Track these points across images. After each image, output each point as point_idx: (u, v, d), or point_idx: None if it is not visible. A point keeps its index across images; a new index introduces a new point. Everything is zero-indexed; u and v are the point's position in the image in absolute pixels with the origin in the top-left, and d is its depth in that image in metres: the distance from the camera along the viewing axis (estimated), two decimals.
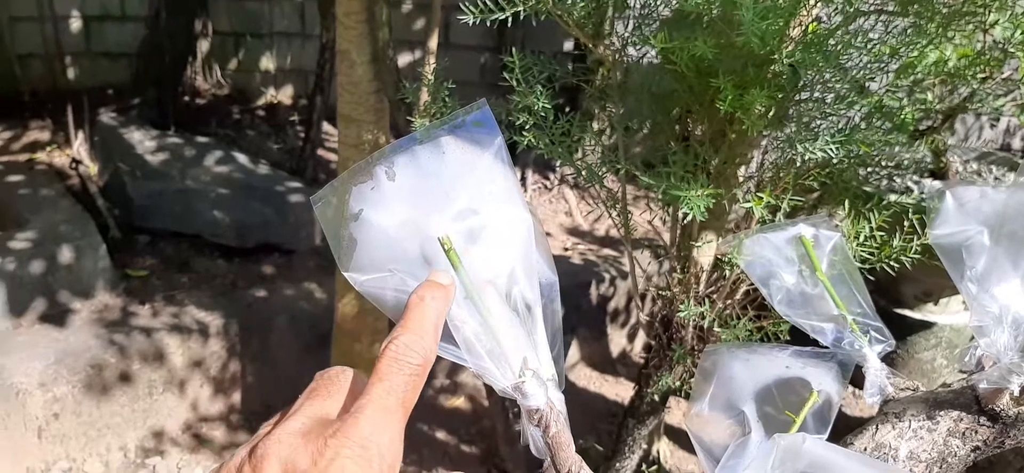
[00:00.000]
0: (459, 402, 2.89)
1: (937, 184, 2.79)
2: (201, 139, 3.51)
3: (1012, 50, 1.61)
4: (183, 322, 2.55)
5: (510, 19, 1.14)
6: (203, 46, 4.17)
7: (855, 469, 0.45)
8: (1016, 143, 4.69)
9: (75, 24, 3.98)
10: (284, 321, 2.68)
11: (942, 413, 0.71)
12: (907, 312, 2.90)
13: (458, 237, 0.53)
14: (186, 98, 4.03)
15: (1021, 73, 2.33)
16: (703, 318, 1.38)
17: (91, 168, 3.42)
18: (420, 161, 0.53)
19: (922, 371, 2.95)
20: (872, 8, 1.30)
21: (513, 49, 1.30)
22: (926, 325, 2.90)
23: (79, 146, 3.47)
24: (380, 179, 0.53)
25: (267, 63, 4.35)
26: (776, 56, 1.12)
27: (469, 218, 0.53)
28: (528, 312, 0.57)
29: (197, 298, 2.70)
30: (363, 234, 0.53)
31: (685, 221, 1.44)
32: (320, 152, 3.84)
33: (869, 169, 1.90)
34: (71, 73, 4.01)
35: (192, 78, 4.13)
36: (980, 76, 1.74)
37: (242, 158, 3.38)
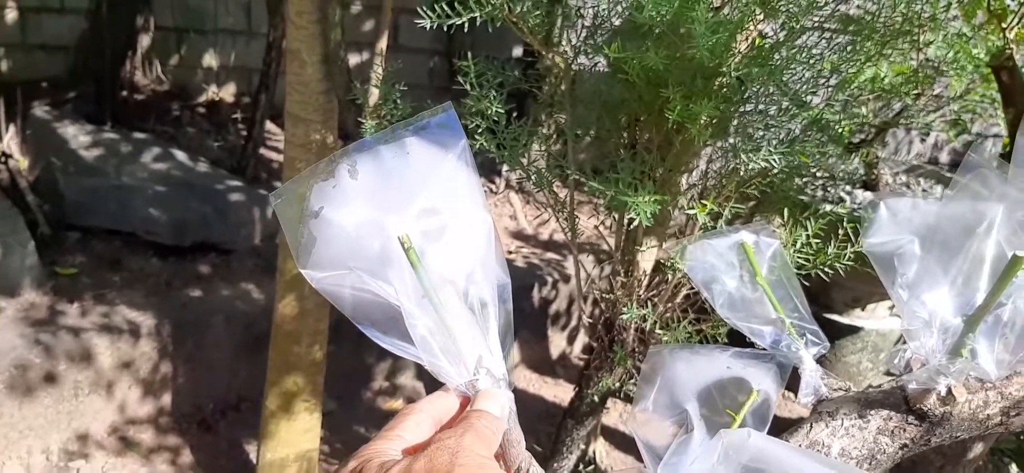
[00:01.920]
0: (398, 404, 2.88)
1: (869, 195, 2.90)
2: (139, 135, 3.42)
3: (944, 69, 1.69)
4: (113, 322, 2.48)
5: (464, 26, 1.15)
6: (144, 41, 4.05)
7: (797, 462, 0.47)
8: (943, 157, 4.91)
9: (11, 15, 3.83)
10: (220, 321, 2.63)
11: (872, 412, 0.74)
12: (836, 317, 3.02)
13: (419, 236, 0.54)
14: (124, 93, 3.91)
15: (951, 91, 2.45)
16: (645, 321, 1.41)
17: (21, 162, 3.29)
18: (383, 160, 0.53)
19: (849, 373, 3.06)
20: (814, 25, 1.35)
21: (465, 54, 1.31)
22: (853, 329, 3.02)
23: (9, 139, 3.34)
24: (342, 177, 0.53)
25: (210, 60, 4.26)
26: (724, 69, 1.15)
27: (431, 218, 0.54)
28: (483, 311, 0.58)
29: (129, 297, 2.63)
30: (322, 231, 0.54)
31: (631, 226, 1.47)
32: (262, 151, 3.78)
33: (805, 179, 1.97)
34: (4, 65, 3.85)
35: (131, 73, 4.01)
36: (914, 93, 1.83)
37: (181, 155, 3.30)
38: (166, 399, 2.56)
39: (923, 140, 4.74)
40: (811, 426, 0.75)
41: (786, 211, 1.32)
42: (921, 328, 0.78)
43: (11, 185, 3.09)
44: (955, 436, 0.74)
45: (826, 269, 1.32)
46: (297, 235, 0.54)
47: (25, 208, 2.89)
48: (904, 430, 0.73)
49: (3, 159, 3.26)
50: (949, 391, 0.72)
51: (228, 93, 4.33)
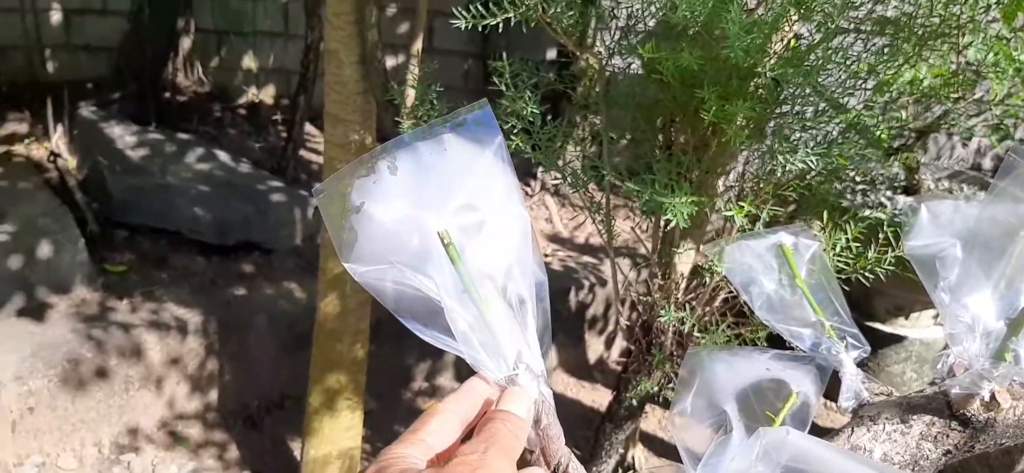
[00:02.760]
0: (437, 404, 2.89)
1: (909, 200, 2.85)
2: (182, 136, 3.49)
3: (984, 72, 1.66)
4: (161, 318, 2.53)
5: (499, 26, 1.16)
6: (185, 43, 4.15)
7: (839, 462, 0.47)
8: (987, 163, 4.79)
9: (55, 17, 3.94)
10: (263, 320, 2.67)
11: (915, 417, 0.73)
12: (878, 325, 2.96)
13: (457, 232, 0.54)
14: (167, 95, 4.00)
15: (992, 95, 2.39)
16: (683, 323, 1.41)
17: (70, 162, 3.39)
18: (422, 157, 0.54)
19: (892, 384, 3.00)
20: (850, 27, 1.33)
21: (500, 56, 1.32)
22: (897, 339, 2.96)
23: (58, 139, 3.44)
24: (382, 173, 0.54)
25: (249, 62, 4.34)
26: (759, 69, 1.15)
27: (468, 214, 0.54)
28: (521, 307, 0.58)
29: (176, 295, 2.69)
30: (364, 226, 0.55)
31: (667, 228, 1.46)
32: (302, 152, 3.83)
33: (844, 184, 1.94)
34: (50, 66, 3.97)
35: (173, 75, 4.10)
36: (954, 96, 1.79)
37: (223, 156, 3.36)
38: (213, 395, 2.61)
39: (965, 145, 4.64)
40: (852, 430, 0.74)
41: (825, 214, 1.31)
42: (964, 332, 0.77)
43: (60, 184, 3.18)
44: (1000, 443, 0.72)
45: (866, 274, 1.31)
46: (339, 230, 0.55)
47: (74, 206, 2.97)
48: (947, 436, 0.72)
49: (52, 158, 3.35)
50: (993, 396, 0.71)
51: (268, 95, 4.40)
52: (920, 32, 1.26)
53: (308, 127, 3.92)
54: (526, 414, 0.54)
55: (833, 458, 0.49)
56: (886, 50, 1.31)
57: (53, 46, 3.95)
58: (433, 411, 0.54)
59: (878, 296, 2.91)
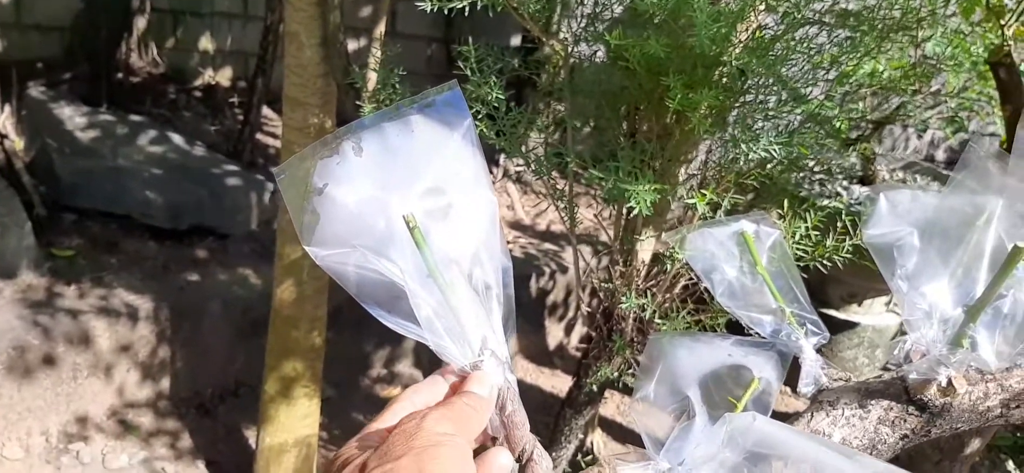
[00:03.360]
0: (396, 391, 2.88)
1: (865, 190, 2.90)
2: (135, 118, 3.40)
3: (942, 66, 1.70)
4: (111, 304, 2.47)
5: (465, 9, 1.15)
6: (140, 23, 4.03)
7: (803, 446, 0.47)
8: (940, 155, 4.91)
9: None
10: (217, 306, 2.62)
11: (873, 402, 0.74)
12: (832, 312, 3.02)
13: (423, 215, 0.53)
14: (120, 76, 3.89)
15: (948, 88, 2.45)
16: (643, 310, 1.42)
17: (17, 143, 3.27)
18: (388, 138, 0.53)
19: (845, 369, 3.07)
20: (814, 18, 1.35)
21: (463, 41, 1.30)
22: (850, 325, 3.03)
23: (5, 120, 3.32)
24: (347, 154, 0.53)
25: (206, 43, 4.24)
26: (724, 58, 1.15)
27: (435, 197, 0.53)
28: (487, 293, 0.57)
29: (126, 280, 2.62)
30: (326, 209, 0.53)
31: (630, 216, 1.47)
32: (259, 136, 3.76)
33: (802, 173, 1.97)
34: None
35: (127, 55, 3.98)
36: (911, 89, 1.83)
37: (177, 138, 3.29)
38: (165, 383, 2.56)
39: (920, 137, 4.75)
40: (812, 415, 0.75)
41: (785, 203, 1.32)
42: (921, 319, 0.78)
43: (7, 165, 3.07)
44: (955, 428, 0.74)
45: (825, 262, 1.33)
46: (301, 212, 0.54)
47: (21, 189, 2.87)
48: (905, 420, 0.73)
49: None
50: (949, 382, 0.72)
51: (224, 77, 4.31)
52: (880, 26, 1.28)
53: (265, 110, 3.85)
54: (489, 394, 0.54)
55: (798, 442, 0.49)
56: (848, 42, 1.32)
57: (2, 25, 3.81)
58: (391, 403, 0.54)
59: (832, 284, 2.97)
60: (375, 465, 0.45)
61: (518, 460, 0.56)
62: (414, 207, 0.53)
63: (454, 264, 0.55)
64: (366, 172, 0.53)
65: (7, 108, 3.34)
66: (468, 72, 1.27)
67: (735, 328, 1.09)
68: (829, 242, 1.31)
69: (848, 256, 1.28)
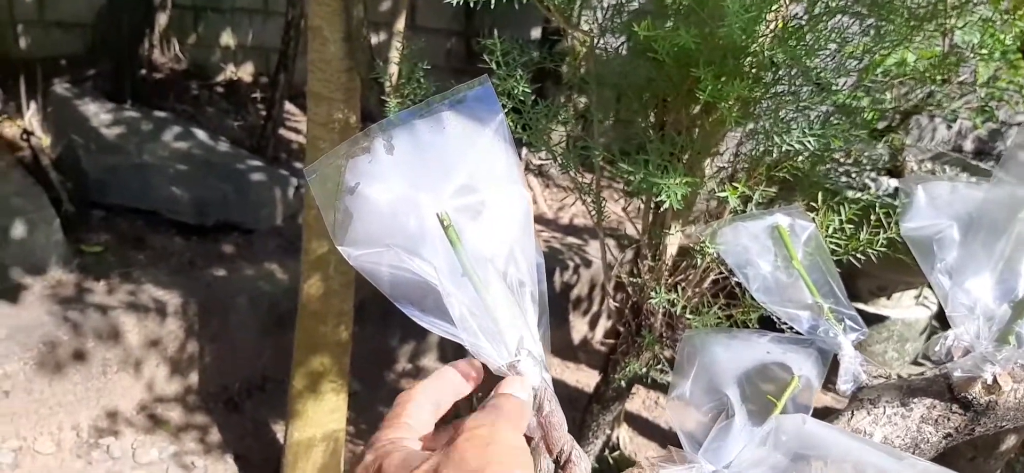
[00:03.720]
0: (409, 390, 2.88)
1: (893, 182, 2.86)
2: (159, 114, 3.42)
3: (971, 55, 1.66)
4: (139, 300, 2.49)
5: (491, 3, 1.13)
6: (161, 19, 4.06)
7: (844, 445, 0.46)
8: (968, 145, 4.83)
9: None
10: (244, 301, 2.64)
11: (915, 400, 0.72)
12: (861, 306, 2.98)
13: (456, 213, 0.52)
14: (142, 72, 3.92)
15: (977, 78, 2.40)
16: (673, 305, 1.40)
17: (43, 140, 3.31)
18: (419, 135, 0.52)
19: (874, 363, 3.03)
20: (841, 6, 1.32)
21: (483, 34, 1.29)
22: (879, 319, 2.99)
23: (31, 117, 3.36)
24: (378, 152, 0.52)
25: (227, 39, 4.26)
26: (755, 48, 1.13)
27: (468, 195, 0.52)
28: (521, 291, 0.56)
29: (154, 276, 2.64)
30: (359, 208, 0.53)
31: (659, 210, 1.45)
32: (281, 131, 3.78)
33: (829, 165, 1.94)
34: (23, 43, 3.86)
35: (149, 52, 4.01)
36: (940, 79, 1.79)
37: (201, 134, 3.30)
38: (193, 378, 2.58)
39: (949, 127, 4.67)
40: (852, 413, 0.73)
41: (819, 196, 1.30)
42: (964, 314, 0.76)
43: (34, 162, 3.11)
44: (1000, 426, 0.72)
45: (858, 255, 1.30)
46: (333, 211, 0.53)
47: (48, 186, 2.90)
48: (948, 419, 0.71)
49: (25, 137, 3.28)
50: (994, 379, 0.70)
51: (246, 73, 4.33)
52: (907, 16, 1.25)
53: (288, 105, 3.86)
54: (527, 398, 0.53)
55: (840, 442, 0.47)
56: (877, 31, 1.30)
57: (26, 22, 3.85)
58: (406, 397, 0.53)
59: (862, 277, 2.93)
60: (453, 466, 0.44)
61: (556, 461, 0.55)
62: (447, 205, 0.52)
63: (488, 262, 0.54)
64: (398, 170, 0.52)
65: (33, 105, 3.38)
66: (494, 65, 1.25)
67: (767, 324, 1.07)
68: (863, 235, 1.28)
69: (882, 250, 1.26)
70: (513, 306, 0.54)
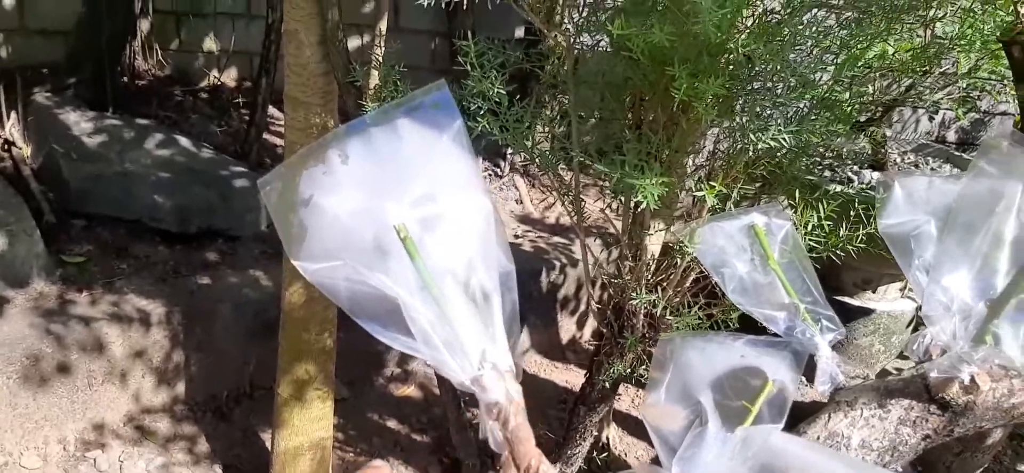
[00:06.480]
0: (410, 390, 2.87)
1: (876, 175, 2.86)
2: (141, 121, 3.39)
3: (953, 45, 1.65)
4: (123, 310, 2.46)
5: (465, 3, 1.12)
6: (143, 26, 4.03)
7: (817, 460, 0.45)
8: (951, 136, 4.85)
9: (8, 0, 3.80)
10: (229, 309, 2.61)
11: (893, 402, 0.72)
12: (846, 299, 2.98)
13: (415, 225, 0.51)
14: (125, 79, 3.89)
15: (958, 69, 2.40)
16: (654, 305, 1.39)
17: (24, 150, 3.28)
18: (375, 144, 0.51)
19: (861, 357, 3.03)
20: (821, 0, 1.31)
21: (466, 34, 1.28)
22: (865, 312, 2.98)
23: (11, 127, 3.33)
24: (333, 163, 0.51)
25: (210, 44, 4.23)
26: (731, 45, 1.12)
27: (426, 205, 0.51)
28: (486, 302, 0.55)
29: (137, 285, 2.61)
30: (314, 220, 0.51)
31: (637, 210, 1.44)
32: (266, 136, 3.75)
33: (811, 159, 1.94)
34: (3, 51, 3.83)
35: (131, 58, 3.98)
36: (921, 70, 1.79)
37: (184, 141, 3.28)
38: (180, 387, 2.55)
39: (931, 119, 4.68)
40: (829, 416, 0.72)
41: (797, 192, 1.29)
42: (941, 313, 0.75)
43: (15, 173, 3.08)
44: (979, 426, 0.71)
45: (838, 252, 1.30)
46: (288, 225, 0.52)
47: (29, 196, 2.87)
48: (926, 420, 0.70)
49: (5, 147, 3.25)
50: (972, 379, 0.69)
51: (230, 78, 4.30)
52: (887, 8, 1.24)
53: (272, 110, 3.84)
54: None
55: (812, 457, 0.46)
56: (857, 23, 1.29)
57: (6, 30, 3.81)
58: None
59: (846, 270, 2.93)
60: None
61: None
62: (405, 216, 0.51)
63: (449, 274, 0.53)
64: (354, 181, 0.51)
65: (13, 115, 3.35)
66: (469, 67, 1.24)
67: (747, 322, 1.06)
68: (842, 231, 1.28)
69: (862, 246, 1.25)
70: (476, 318, 0.53)
